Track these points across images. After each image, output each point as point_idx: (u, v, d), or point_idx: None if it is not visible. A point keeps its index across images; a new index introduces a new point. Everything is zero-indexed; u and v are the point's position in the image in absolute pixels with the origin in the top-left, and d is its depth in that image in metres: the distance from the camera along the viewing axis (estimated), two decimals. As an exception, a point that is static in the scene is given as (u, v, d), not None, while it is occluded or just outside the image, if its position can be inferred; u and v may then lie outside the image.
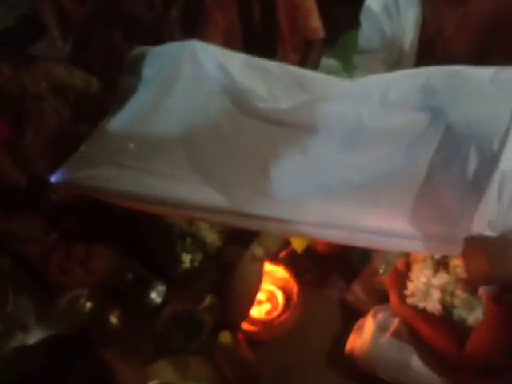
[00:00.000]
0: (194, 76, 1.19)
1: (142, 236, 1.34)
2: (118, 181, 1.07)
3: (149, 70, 1.24)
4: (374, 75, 1.18)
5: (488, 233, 0.87)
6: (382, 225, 1.00)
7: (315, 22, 1.81)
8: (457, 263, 1.05)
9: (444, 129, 0.97)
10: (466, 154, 0.91)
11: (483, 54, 1.39)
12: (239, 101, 1.19)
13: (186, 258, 1.31)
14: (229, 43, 1.78)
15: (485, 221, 0.87)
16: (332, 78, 1.24)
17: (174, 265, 1.31)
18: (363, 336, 1.11)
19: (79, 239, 1.35)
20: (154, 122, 1.15)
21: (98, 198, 1.08)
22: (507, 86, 0.92)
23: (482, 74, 0.96)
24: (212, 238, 1.34)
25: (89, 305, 1.25)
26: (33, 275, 1.27)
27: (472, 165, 0.91)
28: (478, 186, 0.89)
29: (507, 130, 0.86)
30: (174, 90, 1.17)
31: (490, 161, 0.87)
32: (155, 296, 1.29)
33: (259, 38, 1.80)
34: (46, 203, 1.13)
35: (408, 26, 1.41)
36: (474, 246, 0.87)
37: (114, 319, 1.26)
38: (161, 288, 1.30)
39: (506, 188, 0.86)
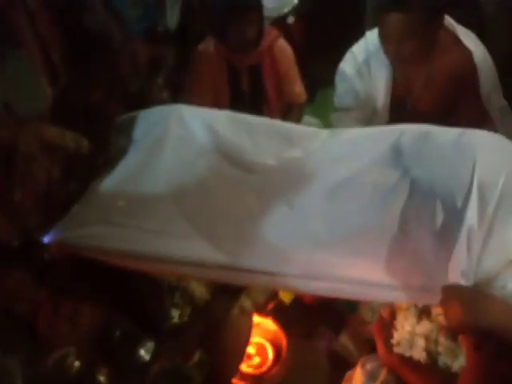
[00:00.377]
0: (181, 136, 1.26)
1: (130, 291, 1.35)
2: (109, 239, 1.10)
3: (137, 133, 1.30)
4: (353, 130, 1.27)
5: (462, 282, 0.92)
6: (364, 275, 1.04)
7: (298, 88, 1.94)
8: (438, 311, 1.09)
9: (410, 185, 1.04)
10: (434, 210, 0.98)
11: (448, 110, 1.51)
12: (226, 156, 1.25)
13: (175, 313, 1.31)
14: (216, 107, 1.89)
15: (458, 271, 0.92)
16: (314, 130, 1.32)
17: (163, 320, 1.31)
18: (353, 387, 1.12)
19: (67, 296, 1.35)
20: (144, 181, 1.20)
21: (89, 256, 1.10)
22: (467, 149, 1.00)
23: (448, 135, 1.05)
24: (200, 291, 1.35)
25: (77, 363, 1.24)
26: (20, 334, 1.26)
27: (440, 219, 0.97)
28: (448, 238, 0.94)
29: (468, 191, 0.93)
30: (163, 150, 1.24)
31: (456, 217, 0.93)
32: (144, 353, 1.28)
33: (246, 104, 1.91)
34: (37, 262, 1.14)
35: (380, 86, 1.53)
36: (451, 295, 0.91)
37: (102, 378, 1.24)
38: (149, 344, 1.30)
39: (473, 242, 0.91)
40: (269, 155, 1.24)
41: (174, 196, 1.20)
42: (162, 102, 1.64)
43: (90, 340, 1.29)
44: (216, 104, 1.87)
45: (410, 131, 1.11)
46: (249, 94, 1.90)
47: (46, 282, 1.34)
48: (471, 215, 0.92)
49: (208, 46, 1.85)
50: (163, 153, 1.23)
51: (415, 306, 1.13)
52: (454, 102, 1.50)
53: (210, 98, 1.87)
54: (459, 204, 0.94)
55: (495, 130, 1.45)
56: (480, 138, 1.05)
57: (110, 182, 1.20)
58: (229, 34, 1.71)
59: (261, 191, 1.22)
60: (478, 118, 1.45)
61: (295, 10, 2.38)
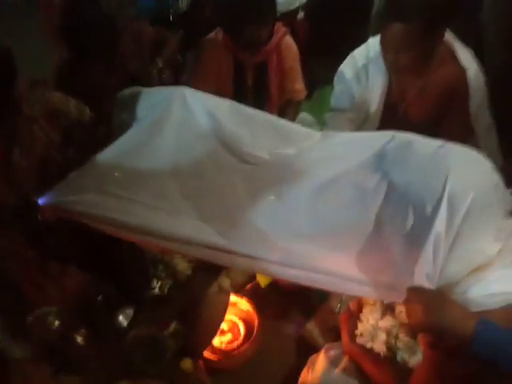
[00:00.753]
0: (182, 119, 1.30)
1: (115, 259, 1.40)
2: (103, 208, 1.14)
3: (140, 110, 1.34)
4: (344, 134, 1.33)
5: (426, 285, 0.99)
6: (338, 269, 1.10)
7: (299, 85, 1.98)
8: (401, 309, 1.16)
9: (387, 189, 1.11)
10: (406, 215, 1.05)
11: (437, 122, 1.58)
12: (224, 143, 1.30)
13: (156, 285, 1.37)
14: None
15: (423, 274, 0.99)
16: (309, 131, 1.38)
17: (144, 289, 1.37)
18: (315, 370, 1.19)
19: (55, 258, 1.39)
20: (143, 156, 1.24)
21: (81, 222, 1.15)
22: (442, 161, 1.07)
23: (428, 147, 1.12)
24: (183, 266, 1.41)
25: (57, 323, 1.29)
26: (9, 292, 1.30)
27: (410, 224, 1.04)
28: (417, 242, 1.01)
29: (439, 201, 0.99)
30: (164, 130, 1.28)
31: (426, 223, 1.00)
32: (122, 319, 1.35)
33: (248, 99, 1.92)
34: (30, 222, 1.18)
35: (375, 91, 1.59)
36: (414, 296, 0.98)
37: (79, 338, 1.30)
38: (128, 311, 1.36)
39: (439, 248, 0.98)
40: (264, 149, 1.29)
41: (169, 174, 1.24)
42: (162, 83, 1.65)
43: (73, 302, 1.35)
44: (219, 95, 1.91)
45: (396, 139, 1.17)
46: (252, 89, 1.93)
47: (35, 243, 1.39)
48: (439, 223, 0.98)
49: (217, 37, 1.86)
50: (163, 132, 1.28)
51: (381, 301, 1.21)
52: (443, 115, 1.56)
53: (213, 86, 1.88)
54: (429, 212, 1.01)
55: (478, 147, 1.52)
56: (457, 152, 1.11)
57: (109, 154, 1.24)
58: (242, 33, 1.70)
59: (252, 181, 1.28)
60: (464, 134, 1.51)
61: (304, 6, 2.40)
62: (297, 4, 2.40)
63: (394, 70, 1.50)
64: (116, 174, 1.21)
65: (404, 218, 1.05)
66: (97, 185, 1.17)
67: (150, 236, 1.16)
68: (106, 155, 1.23)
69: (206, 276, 1.38)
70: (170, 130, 1.28)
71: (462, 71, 1.48)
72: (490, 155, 1.15)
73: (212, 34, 1.89)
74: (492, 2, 1.90)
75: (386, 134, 1.22)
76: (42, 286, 1.34)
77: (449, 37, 1.49)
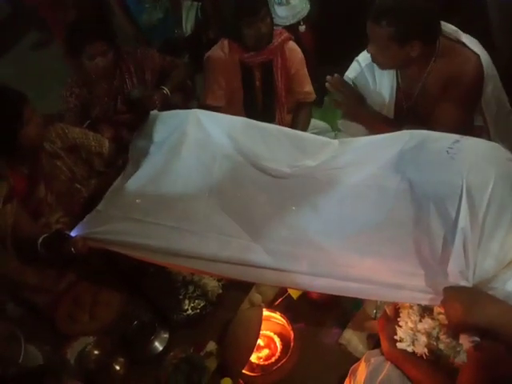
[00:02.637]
0: (199, 141, 1.33)
1: (147, 284, 1.42)
2: (130, 234, 1.17)
3: (158, 135, 1.38)
4: (361, 139, 1.33)
5: (462, 283, 0.97)
6: (369, 275, 1.09)
7: (308, 87, 2.01)
8: (440, 310, 1.14)
9: (410, 190, 1.10)
10: (429, 214, 1.04)
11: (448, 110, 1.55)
12: (242, 160, 1.32)
13: (189, 306, 1.37)
14: (231, 105, 1.96)
15: (457, 272, 0.97)
16: (326, 139, 1.39)
17: (177, 312, 1.37)
18: (357, 380, 1.16)
19: (87, 288, 1.41)
20: (164, 181, 1.28)
21: (111, 251, 1.17)
22: (459, 156, 1.06)
23: (443, 142, 1.11)
24: (213, 285, 1.41)
25: (95, 352, 1.31)
26: (41, 324, 1.32)
27: (435, 222, 1.03)
28: (445, 240, 1.00)
29: (459, 196, 0.99)
30: (181, 153, 1.31)
31: (450, 220, 0.99)
32: (158, 343, 1.35)
33: (259, 102, 1.99)
34: (65, 256, 1.20)
35: (384, 91, 1.59)
36: (451, 296, 0.96)
37: (118, 367, 1.30)
38: (164, 335, 1.36)
39: (469, 244, 0.97)
40: (283, 162, 1.31)
41: (190, 195, 1.27)
42: (170, 108, 1.68)
43: (108, 330, 1.36)
44: (231, 100, 1.95)
45: (413, 138, 1.17)
46: (261, 90, 1.98)
47: (66, 275, 1.41)
48: (463, 219, 0.98)
49: (220, 48, 1.92)
50: (182, 155, 1.31)
51: (418, 304, 1.19)
52: (457, 104, 1.54)
53: (225, 101, 1.94)
54: (451, 208, 1.00)
55: (488, 135, 1.51)
56: (472, 146, 1.11)
57: (133, 182, 1.28)
58: (244, 32, 1.79)
59: (276, 193, 1.29)
60: (468, 122, 1.52)
61: (306, 20, 2.43)
62: (296, 19, 2.44)
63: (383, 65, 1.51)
64: (140, 201, 1.25)
65: (428, 217, 1.04)
66: (123, 214, 1.21)
67: (176, 257, 1.18)
68: (131, 184, 1.27)
69: (237, 293, 1.38)
70: (188, 153, 1.31)
71: (474, 57, 1.46)
72: (508, 141, 1.13)
73: (213, 49, 1.95)
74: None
75: (404, 134, 1.21)
76: (77, 316, 1.36)
77: (452, 28, 1.49)
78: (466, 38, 1.50)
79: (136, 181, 1.28)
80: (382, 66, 1.51)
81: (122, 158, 1.46)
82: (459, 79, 1.47)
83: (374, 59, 1.49)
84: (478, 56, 1.46)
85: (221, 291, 1.40)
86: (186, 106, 2.10)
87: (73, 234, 1.15)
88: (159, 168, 1.30)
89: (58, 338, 1.33)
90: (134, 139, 1.42)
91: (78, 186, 1.46)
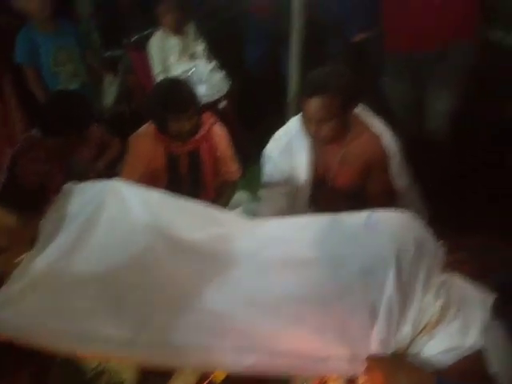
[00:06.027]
0: (116, 213, 1.27)
1: (54, 376, 1.26)
2: (38, 316, 1.06)
3: (72, 206, 1.29)
4: (277, 220, 1.36)
5: (385, 351, 0.98)
6: (295, 349, 1.07)
7: (234, 166, 2.04)
8: (364, 379, 1.13)
9: (333, 264, 1.13)
10: (354, 286, 1.07)
11: (362, 185, 1.67)
12: (160, 233, 1.28)
13: (101, 400, 1.23)
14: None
15: (380, 341, 0.99)
16: (243, 219, 1.41)
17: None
18: None
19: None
20: (76, 258, 1.18)
21: (16, 338, 1.04)
22: (379, 227, 1.12)
23: (362, 216, 1.17)
24: (129, 374, 1.29)
25: None
26: None
27: (361, 294, 1.05)
28: (371, 309, 1.02)
29: (385, 266, 1.03)
30: (97, 226, 1.23)
31: (376, 290, 1.02)
32: None
33: (184, 187, 1.93)
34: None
35: (301, 164, 1.68)
36: (373, 364, 0.97)
37: None
38: None
39: (393, 311, 1.00)
40: (202, 235, 1.28)
41: (105, 273, 1.18)
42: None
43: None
44: (154, 185, 1.89)
45: (326, 220, 1.22)
46: (187, 177, 1.95)
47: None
48: (388, 287, 1.02)
49: (146, 132, 1.89)
50: (97, 229, 1.23)
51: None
52: (367, 179, 1.67)
53: (144, 178, 1.86)
54: (376, 278, 1.04)
55: (403, 206, 1.62)
56: (390, 216, 1.17)
57: (42, 260, 1.17)
58: (168, 127, 1.76)
59: (193, 265, 1.25)
60: (388, 195, 1.63)
61: (226, 96, 2.57)
62: (217, 96, 2.57)
63: (317, 141, 1.60)
64: (50, 281, 1.14)
65: (353, 288, 1.07)
66: (30, 294, 1.09)
67: (89, 342, 1.07)
68: (39, 262, 1.17)
69: (156, 381, 1.27)
70: (104, 226, 1.24)
71: (377, 138, 1.61)
72: (415, 211, 1.23)
73: (142, 128, 1.92)
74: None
75: (323, 216, 1.26)
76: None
77: (361, 108, 1.64)
78: (370, 117, 1.66)
79: (45, 257, 1.18)
80: (325, 141, 1.58)
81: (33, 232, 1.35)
82: (369, 155, 1.60)
83: (314, 135, 1.55)
84: (382, 134, 1.62)
85: (137, 380, 1.29)
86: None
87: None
88: (71, 243, 1.21)
89: None
90: (47, 212, 1.33)
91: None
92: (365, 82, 2.06)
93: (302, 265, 1.16)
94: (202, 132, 1.88)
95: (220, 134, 1.98)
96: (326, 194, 1.51)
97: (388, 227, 1.11)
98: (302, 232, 1.22)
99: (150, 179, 1.84)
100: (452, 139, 2.08)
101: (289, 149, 1.68)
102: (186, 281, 1.22)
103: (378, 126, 1.65)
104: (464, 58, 1.84)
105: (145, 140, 1.87)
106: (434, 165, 1.97)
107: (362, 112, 1.66)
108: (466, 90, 1.95)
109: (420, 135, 2.11)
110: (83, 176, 1.58)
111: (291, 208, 1.68)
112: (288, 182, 1.70)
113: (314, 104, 1.48)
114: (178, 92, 1.77)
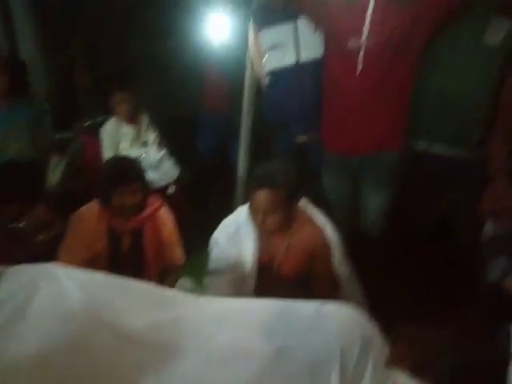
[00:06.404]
0: (52, 298, 1.20)
1: None
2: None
3: (4, 291, 1.21)
4: (228, 300, 1.35)
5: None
6: None
7: (178, 252, 2.03)
8: None
9: (279, 355, 1.12)
10: (300, 378, 1.06)
11: (307, 276, 1.72)
12: (98, 318, 1.21)
13: None
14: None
15: None
16: (189, 297, 1.36)
17: None
18: None
19: None
20: (8, 344, 1.08)
21: None
22: (326, 320, 1.15)
23: (307, 309, 1.19)
24: None
25: None
26: None
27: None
28: None
29: (331, 358, 1.04)
30: (30, 313, 1.15)
31: (323, 381, 1.02)
32: None
33: (125, 268, 1.87)
34: None
35: (248, 253, 1.71)
36: None
37: None
38: None
39: None
40: (142, 318, 1.23)
41: (40, 360, 1.09)
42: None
43: None
44: (93, 265, 1.83)
45: (279, 304, 1.23)
46: (128, 257, 1.91)
47: None
48: (335, 380, 1.02)
49: (90, 209, 1.88)
50: (30, 316, 1.15)
51: None
52: (311, 269, 1.72)
53: (83, 256, 1.82)
54: (322, 370, 1.05)
55: (345, 295, 1.68)
56: (335, 310, 1.20)
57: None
58: (112, 200, 1.78)
59: (131, 357, 1.18)
60: (331, 286, 1.68)
61: (176, 182, 2.63)
62: (168, 181, 2.62)
63: (263, 231, 1.66)
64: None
65: (301, 380, 1.05)
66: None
67: None
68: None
69: None
70: (37, 313, 1.16)
71: (320, 230, 1.70)
72: (356, 301, 1.28)
73: (85, 206, 1.90)
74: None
75: (271, 301, 1.27)
76: None
77: (305, 201, 1.75)
78: (313, 210, 1.76)
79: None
80: (271, 231, 1.63)
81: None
82: (313, 245, 1.67)
83: (260, 225, 1.61)
84: (324, 226, 1.71)
85: None
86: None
87: None
88: (3, 329, 1.10)
89: None
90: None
91: None
92: (308, 178, 2.22)
93: (250, 355, 1.14)
94: (146, 212, 1.90)
95: (166, 218, 1.99)
96: (270, 283, 1.53)
97: (336, 321, 1.14)
98: (252, 315, 1.21)
99: (90, 259, 1.79)
100: (387, 234, 2.23)
101: (236, 236, 1.72)
102: (125, 372, 1.15)
103: (320, 218, 1.75)
104: (394, 164, 2.05)
105: (87, 218, 1.85)
106: (371, 257, 2.08)
107: (306, 205, 1.76)
108: (399, 190, 2.15)
109: (358, 229, 2.24)
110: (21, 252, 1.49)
111: (236, 296, 1.66)
112: (234, 269, 1.71)
113: (261, 196, 1.56)
114: (124, 165, 1.86)
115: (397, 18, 1.81)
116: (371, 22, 1.82)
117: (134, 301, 1.28)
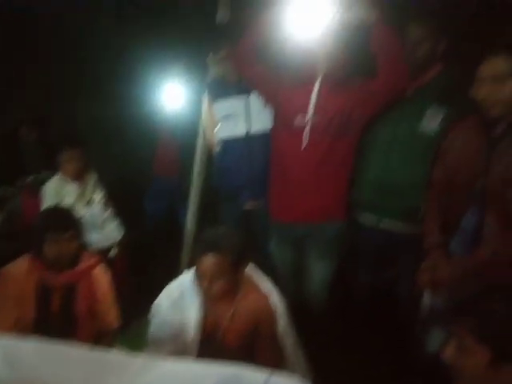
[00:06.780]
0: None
1: None
2: None
3: None
4: (170, 364, 1.28)
5: None
6: None
7: (113, 315, 1.92)
8: None
9: None
10: None
11: (250, 342, 1.67)
12: None
13: None
14: (17, 331, 1.69)
15: None
16: (129, 359, 1.28)
17: None
18: None
19: None
20: None
21: None
22: None
23: (257, 377, 1.16)
24: None
25: None
26: None
27: None
28: None
29: None
30: None
31: None
32: None
33: (53, 327, 1.77)
34: None
35: (191, 319, 1.65)
36: None
37: None
38: None
39: None
40: None
41: None
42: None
43: None
44: (18, 324, 1.70)
45: (224, 371, 1.19)
46: (58, 316, 1.79)
47: None
48: None
49: (19, 264, 1.78)
50: None
51: None
52: (255, 337, 1.68)
53: (8, 321, 1.68)
54: None
55: (290, 365, 1.64)
56: (284, 382, 1.16)
57: None
58: (46, 248, 1.73)
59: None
60: (275, 355, 1.64)
61: (118, 244, 2.55)
62: (110, 242, 2.53)
63: (208, 297, 1.62)
64: None
65: None
66: None
67: None
68: None
69: None
70: None
71: (265, 297, 1.69)
72: (300, 370, 1.24)
73: (13, 262, 1.80)
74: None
75: (217, 366, 1.21)
76: None
77: (251, 267, 1.74)
78: (260, 278, 1.76)
79: None
80: (216, 297, 1.60)
81: None
82: (258, 313, 1.65)
83: (206, 290, 1.58)
84: (270, 293, 1.70)
85: None
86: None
87: None
88: None
89: None
90: None
91: None
92: (254, 244, 2.24)
93: None
94: (82, 266, 1.83)
95: (102, 276, 1.91)
96: (214, 352, 1.46)
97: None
98: (200, 381, 1.14)
99: (16, 320, 1.68)
100: (331, 303, 2.24)
101: (180, 302, 1.66)
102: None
103: (266, 286, 1.74)
104: (339, 232, 2.12)
105: (14, 275, 1.75)
106: (315, 326, 2.07)
107: (252, 272, 1.76)
108: (343, 260, 2.20)
109: (303, 297, 2.24)
110: None
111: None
112: (175, 339, 1.63)
113: (207, 261, 1.55)
114: (59, 212, 1.87)
115: (340, 101, 1.98)
116: (316, 103, 1.98)
117: (69, 368, 1.18)
